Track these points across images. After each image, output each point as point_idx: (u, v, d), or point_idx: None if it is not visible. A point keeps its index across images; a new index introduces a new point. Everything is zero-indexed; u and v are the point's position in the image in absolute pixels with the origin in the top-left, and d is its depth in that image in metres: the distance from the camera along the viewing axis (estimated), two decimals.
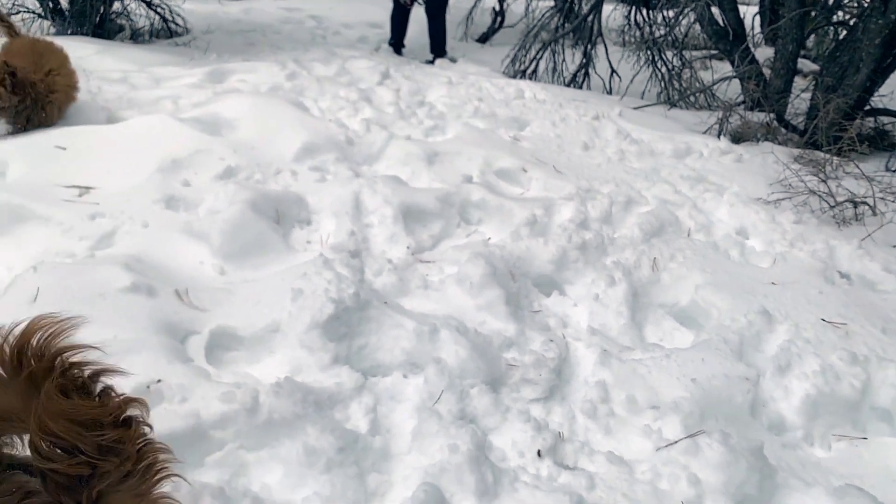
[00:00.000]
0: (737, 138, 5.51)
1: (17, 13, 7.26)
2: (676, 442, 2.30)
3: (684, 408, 2.43)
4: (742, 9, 6.95)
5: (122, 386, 2.11)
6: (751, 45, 6.82)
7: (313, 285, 2.74)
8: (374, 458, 2.17)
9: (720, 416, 2.46)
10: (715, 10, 6.56)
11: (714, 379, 2.56)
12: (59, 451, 1.18)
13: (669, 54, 7.30)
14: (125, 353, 2.26)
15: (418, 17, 8.91)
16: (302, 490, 1.99)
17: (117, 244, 3.12)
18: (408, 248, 3.47)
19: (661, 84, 7.21)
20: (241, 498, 1.90)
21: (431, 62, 8.39)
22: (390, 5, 8.95)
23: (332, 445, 2.07)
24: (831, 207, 4.15)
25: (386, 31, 9.27)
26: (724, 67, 7.60)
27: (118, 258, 2.85)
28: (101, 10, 7.37)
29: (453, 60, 8.48)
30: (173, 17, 8.38)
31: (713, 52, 7.88)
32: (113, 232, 3.18)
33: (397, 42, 8.90)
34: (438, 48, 8.61)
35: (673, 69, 7.18)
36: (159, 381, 2.18)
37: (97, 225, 3.22)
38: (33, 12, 7.36)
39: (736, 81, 6.57)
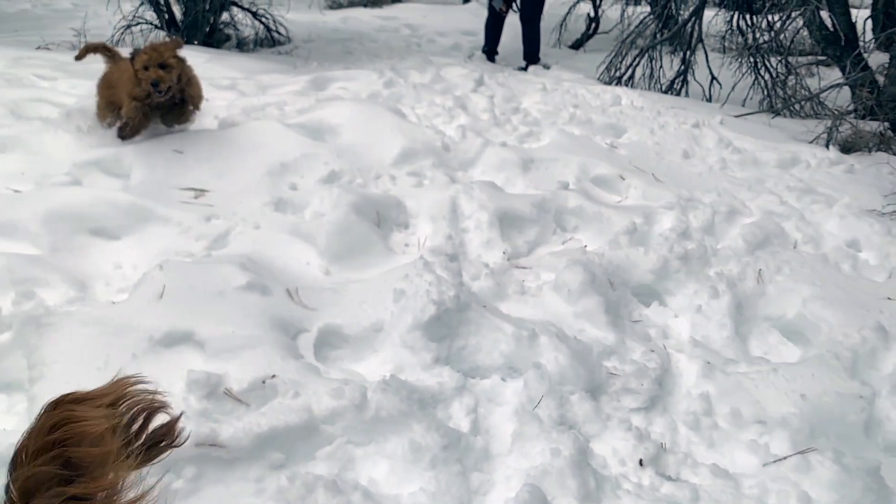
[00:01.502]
0: (847, 148, 5.27)
1: (137, 24, 7.74)
2: (785, 458, 2.24)
3: (793, 424, 2.37)
4: (853, 12, 6.64)
5: (241, 381, 2.25)
6: (862, 51, 6.50)
7: (415, 287, 2.80)
8: (476, 457, 2.21)
9: (831, 434, 2.37)
10: (824, 13, 6.29)
11: (825, 395, 2.47)
12: None
13: (773, 61, 7.05)
14: (242, 348, 2.40)
15: (510, 24, 8.94)
16: (408, 485, 2.06)
17: (231, 244, 3.29)
18: (504, 253, 3.50)
19: (763, 91, 6.98)
20: (351, 491, 1.98)
21: (524, 69, 8.40)
22: (483, 13, 9.02)
23: (436, 443, 2.13)
24: None
25: (479, 38, 9.36)
26: (833, 74, 7.27)
27: (233, 258, 3.00)
28: (212, 21, 7.76)
29: (547, 67, 8.45)
30: (276, 27, 8.73)
31: (820, 57, 7.56)
32: (227, 233, 3.36)
33: (491, 49, 8.96)
34: (532, 55, 8.60)
35: (777, 76, 6.94)
36: (274, 376, 2.29)
37: (212, 226, 3.41)
38: (151, 23, 7.83)
39: (845, 89, 6.29)
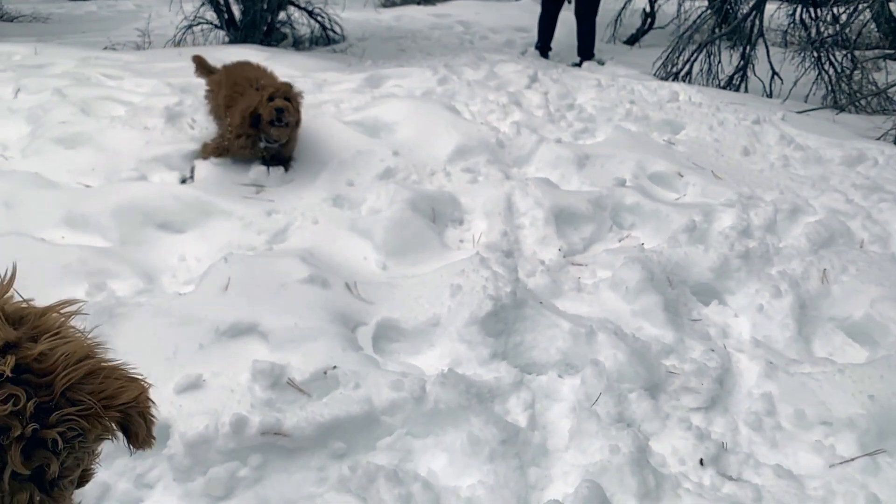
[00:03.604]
0: None
1: (198, 24, 7.94)
2: (853, 459, 2.18)
3: (860, 425, 2.31)
4: None
5: (304, 371, 2.30)
6: None
7: (471, 282, 2.82)
8: (533, 452, 2.21)
9: None
10: (893, 5, 6.08)
11: (895, 397, 2.40)
12: None
13: (838, 55, 6.84)
14: (304, 339, 2.45)
15: (564, 20, 8.88)
16: (467, 478, 2.07)
17: (290, 238, 3.36)
18: (559, 250, 3.49)
19: (827, 87, 6.78)
20: (412, 481, 2.01)
21: (578, 65, 8.33)
22: (536, 9, 8.97)
23: (495, 437, 2.14)
24: None
25: (532, 34, 9.31)
26: None
27: (294, 252, 3.07)
28: (269, 20, 7.91)
29: (601, 63, 8.37)
30: (332, 25, 8.84)
31: (888, 51, 7.30)
32: (287, 227, 3.43)
33: (544, 45, 8.90)
34: (586, 50, 8.52)
35: (842, 71, 6.72)
36: (335, 367, 2.34)
37: (273, 220, 3.48)
38: (211, 23, 8.02)
39: None
